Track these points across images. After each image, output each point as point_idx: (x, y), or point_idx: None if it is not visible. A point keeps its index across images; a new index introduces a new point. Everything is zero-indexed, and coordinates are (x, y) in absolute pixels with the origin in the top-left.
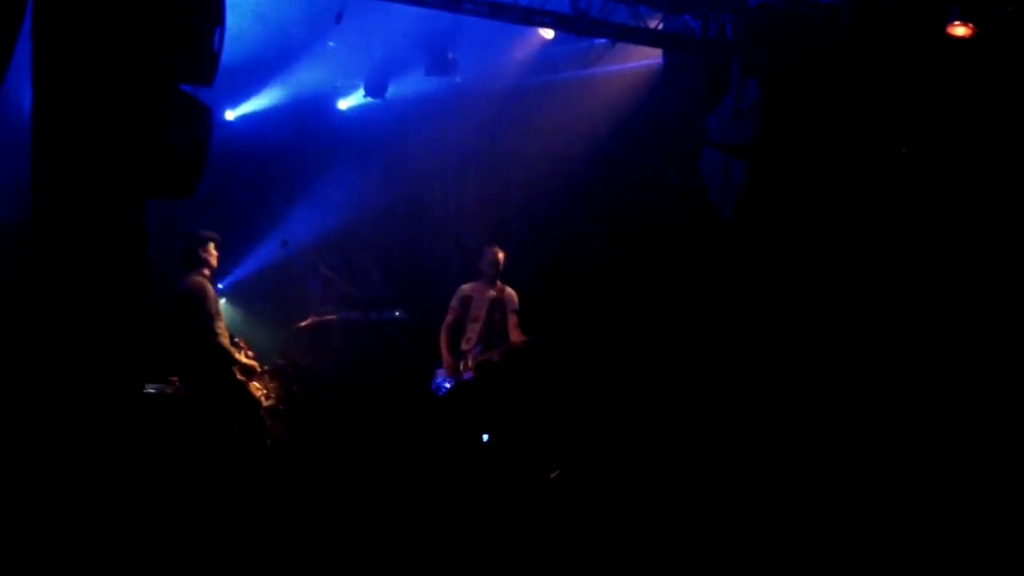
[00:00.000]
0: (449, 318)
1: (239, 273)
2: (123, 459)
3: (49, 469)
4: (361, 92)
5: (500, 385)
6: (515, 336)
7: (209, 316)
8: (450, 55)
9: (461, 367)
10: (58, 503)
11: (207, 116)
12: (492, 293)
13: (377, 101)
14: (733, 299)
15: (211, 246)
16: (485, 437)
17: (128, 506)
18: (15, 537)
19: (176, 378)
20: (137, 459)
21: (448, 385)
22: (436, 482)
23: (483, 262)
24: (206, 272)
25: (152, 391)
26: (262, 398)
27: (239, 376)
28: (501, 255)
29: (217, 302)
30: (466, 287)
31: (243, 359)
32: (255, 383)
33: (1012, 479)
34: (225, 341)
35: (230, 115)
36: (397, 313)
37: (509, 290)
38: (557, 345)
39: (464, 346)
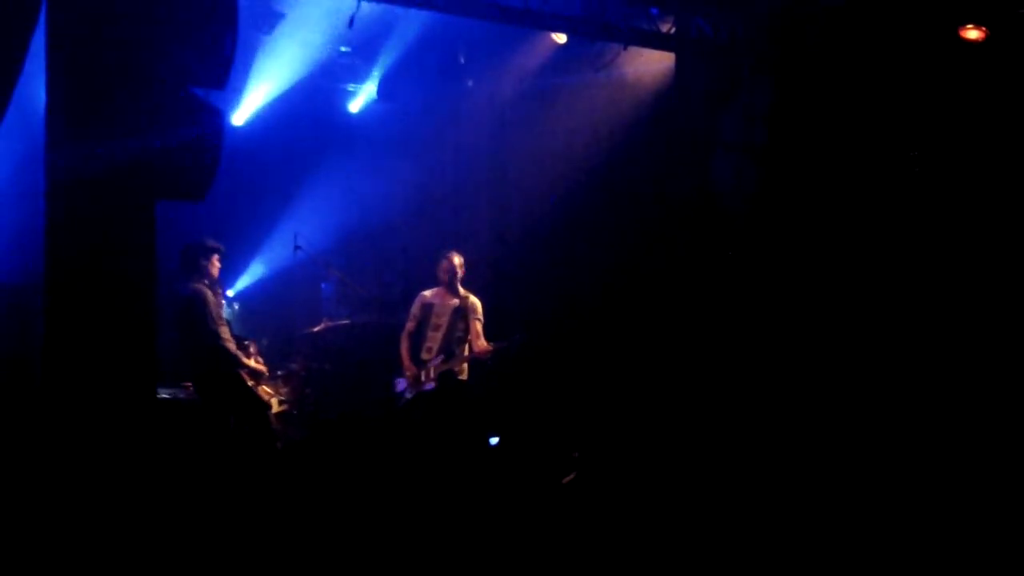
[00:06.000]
0: (409, 325)
1: (252, 278)
2: (135, 462)
3: (60, 472)
4: (372, 95)
5: (462, 395)
6: (479, 345)
7: (212, 320)
8: (462, 59)
9: (423, 377)
10: (71, 506)
11: (219, 120)
12: (455, 301)
13: (388, 105)
14: (744, 301)
15: (215, 258)
16: (494, 440)
17: (141, 508)
18: (27, 539)
19: (189, 383)
20: (149, 462)
21: (409, 395)
22: (445, 484)
23: (439, 268)
24: (206, 282)
25: (166, 396)
26: (272, 402)
27: (248, 380)
28: (457, 261)
29: (219, 307)
30: (427, 293)
31: (251, 363)
32: (264, 387)
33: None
34: (231, 345)
35: (239, 119)
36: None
37: (473, 298)
38: (532, 352)
39: (424, 355)
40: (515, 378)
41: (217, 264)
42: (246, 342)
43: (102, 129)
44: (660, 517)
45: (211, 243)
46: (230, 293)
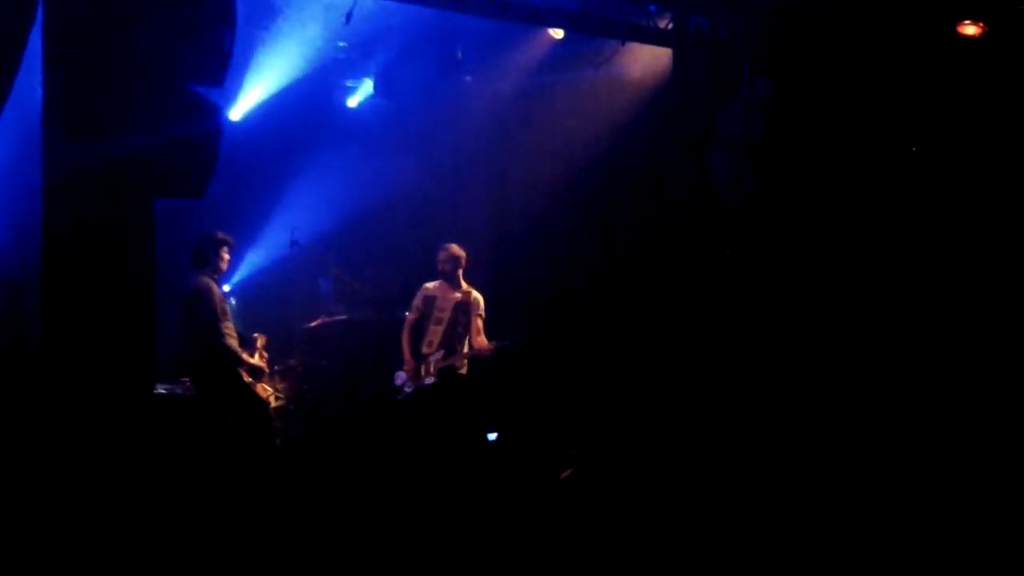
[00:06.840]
0: (411, 318)
1: (248, 273)
2: (133, 458)
3: (59, 467)
4: (370, 90)
5: (462, 391)
6: (480, 342)
7: (214, 316)
8: (459, 54)
9: (422, 371)
10: (70, 503)
11: (217, 117)
12: (458, 295)
13: (386, 100)
14: (742, 300)
15: (224, 250)
16: (492, 436)
17: (140, 505)
18: (26, 536)
19: (187, 379)
20: (147, 458)
21: (408, 389)
22: (444, 480)
23: (438, 260)
24: (214, 276)
25: (163, 391)
26: (271, 399)
27: (246, 378)
28: (455, 252)
29: (224, 302)
30: (429, 286)
31: (252, 361)
32: (263, 384)
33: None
34: (232, 342)
35: (237, 114)
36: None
37: (476, 293)
38: (531, 350)
39: (425, 349)
40: (514, 375)
41: (226, 257)
42: (255, 335)
43: (100, 126)
44: (657, 514)
45: (220, 235)
46: (226, 288)
